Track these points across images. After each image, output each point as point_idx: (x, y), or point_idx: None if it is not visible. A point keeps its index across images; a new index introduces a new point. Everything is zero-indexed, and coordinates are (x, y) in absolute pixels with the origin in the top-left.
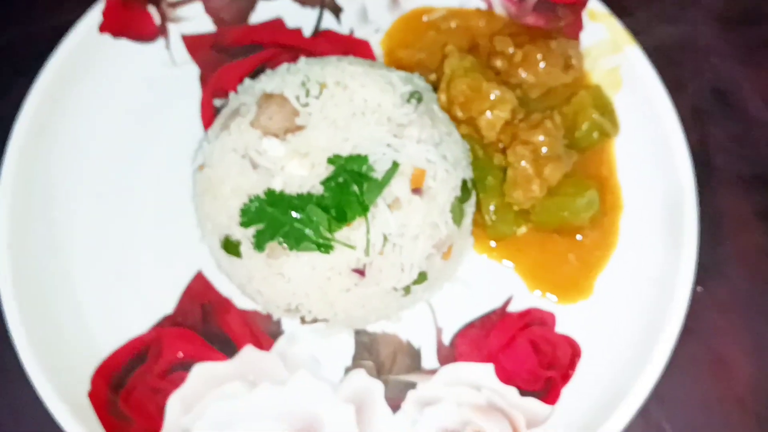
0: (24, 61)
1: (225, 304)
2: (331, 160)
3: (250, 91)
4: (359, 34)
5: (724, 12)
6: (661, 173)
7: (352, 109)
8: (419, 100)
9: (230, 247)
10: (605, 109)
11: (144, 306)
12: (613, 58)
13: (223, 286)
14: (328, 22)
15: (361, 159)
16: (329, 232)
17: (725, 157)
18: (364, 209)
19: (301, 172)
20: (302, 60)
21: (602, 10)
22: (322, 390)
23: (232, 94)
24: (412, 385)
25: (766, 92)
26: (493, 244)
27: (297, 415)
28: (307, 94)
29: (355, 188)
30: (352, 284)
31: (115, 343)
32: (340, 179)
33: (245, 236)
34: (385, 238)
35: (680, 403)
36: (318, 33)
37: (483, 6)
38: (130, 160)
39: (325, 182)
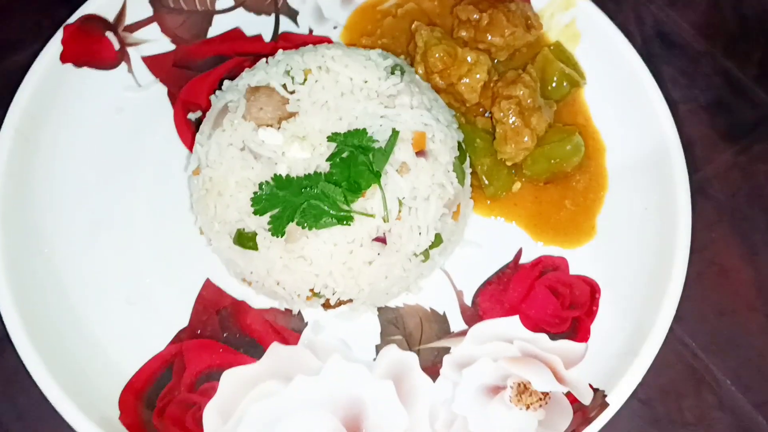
0: None
1: (241, 306)
2: (331, 138)
3: (233, 89)
4: (318, 32)
5: None
6: (635, 109)
7: (340, 90)
8: (402, 71)
9: (245, 240)
10: (569, 62)
11: (158, 323)
12: (566, 14)
13: (235, 289)
14: (286, 26)
15: (360, 133)
16: (346, 204)
17: (681, 90)
18: (377, 176)
19: (303, 155)
20: (280, 52)
21: None
22: (358, 371)
23: (213, 97)
24: (446, 350)
25: (702, 27)
26: (489, 203)
27: (338, 400)
28: (293, 81)
29: (363, 158)
30: (375, 254)
31: (136, 365)
32: (345, 154)
33: (260, 226)
34: (400, 203)
35: (697, 318)
36: (278, 37)
37: None
38: (115, 185)
39: (331, 158)
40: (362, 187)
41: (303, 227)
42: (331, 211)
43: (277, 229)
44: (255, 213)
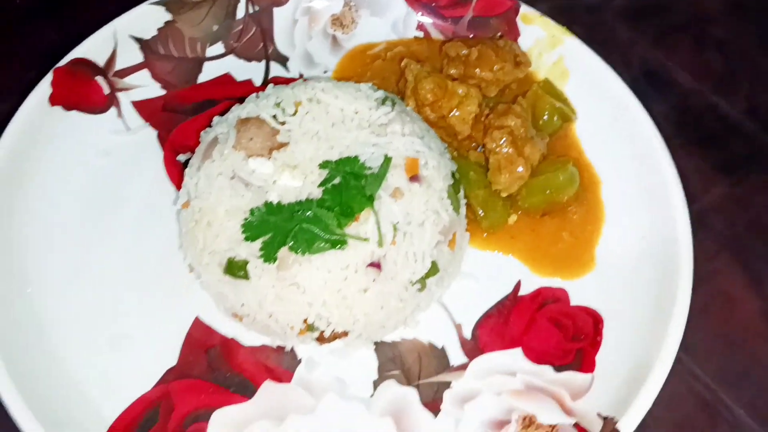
0: None
1: (231, 344)
2: (322, 165)
3: (222, 122)
4: (308, 76)
5: (629, 8)
6: (628, 141)
7: (330, 120)
8: (393, 102)
9: (236, 268)
10: (558, 98)
11: (144, 364)
12: (554, 52)
13: (225, 327)
14: (277, 71)
15: (352, 160)
16: (339, 228)
17: (672, 127)
18: (370, 200)
19: (294, 183)
20: (270, 86)
21: (534, 13)
22: (355, 409)
23: (203, 133)
24: (447, 385)
25: (689, 66)
26: (485, 236)
27: None
28: (283, 113)
29: (355, 183)
30: (370, 281)
31: (121, 407)
32: (337, 180)
33: (251, 254)
34: (395, 228)
35: (707, 350)
36: (268, 81)
37: (420, 34)
38: (102, 226)
39: (323, 184)
40: (355, 211)
41: (296, 252)
42: (324, 236)
43: (269, 254)
44: (246, 239)
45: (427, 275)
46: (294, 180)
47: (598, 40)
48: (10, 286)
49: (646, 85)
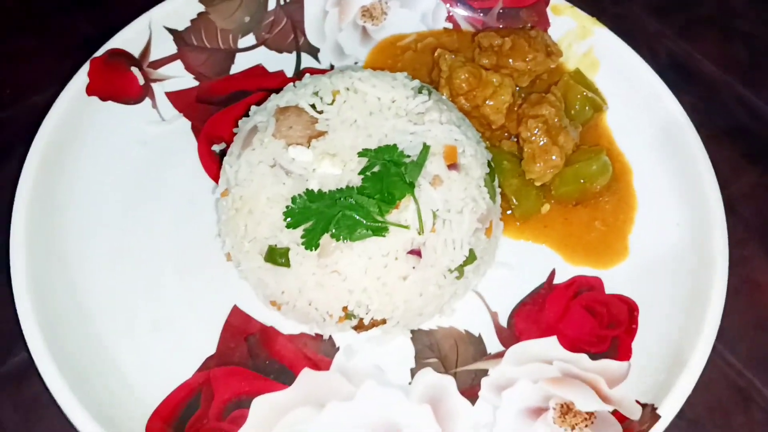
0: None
1: (270, 332)
2: (362, 153)
3: (261, 111)
4: (340, 67)
5: (655, 2)
6: (659, 129)
7: (368, 109)
8: (429, 91)
9: (277, 256)
10: (589, 88)
11: (185, 351)
12: (584, 43)
13: (263, 315)
14: (308, 62)
15: (391, 148)
16: (380, 215)
17: (700, 116)
18: (411, 186)
19: (334, 171)
20: (307, 76)
21: (564, 3)
22: (394, 396)
23: (241, 121)
24: (484, 372)
25: (715, 58)
26: (519, 225)
27: (374, 426)
28: (321, 101)
29: (396, 170)
30: (410, 268)
31: (163, 393)
32: (376, 168)
33: (292, 241)
34: (434, 215)
35: (736, 332)
36: (300, 73)
37: (449, 26)
38: (141, 214)
39: (363, 172)
40: (396, 198)
41: (338, 239)
42: (365, 222)
43: (311, 241)
44: (288, 226)
45: (465, 263)
46: (333, 168)
47: (625, 32)
48: (54, 274)
49: (675, 77)
